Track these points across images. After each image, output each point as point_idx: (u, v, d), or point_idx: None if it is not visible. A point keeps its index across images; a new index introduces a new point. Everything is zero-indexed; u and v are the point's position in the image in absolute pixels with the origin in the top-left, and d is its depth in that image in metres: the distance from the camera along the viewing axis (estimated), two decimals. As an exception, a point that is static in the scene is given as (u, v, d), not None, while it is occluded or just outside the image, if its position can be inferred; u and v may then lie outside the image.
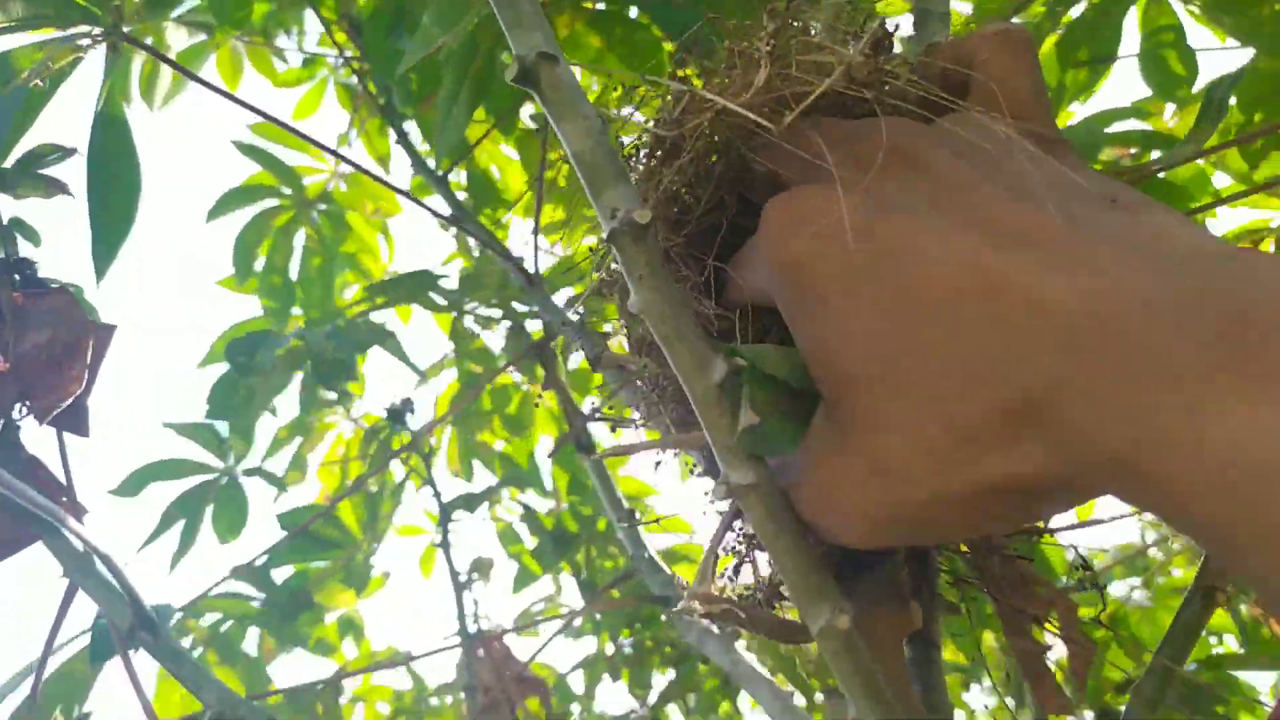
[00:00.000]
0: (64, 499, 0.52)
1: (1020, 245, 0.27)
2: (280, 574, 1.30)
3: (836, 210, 0.30)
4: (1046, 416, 0.25)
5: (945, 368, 0.27)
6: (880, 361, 0.28)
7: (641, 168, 0.50)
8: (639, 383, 0.64)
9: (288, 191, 1.29)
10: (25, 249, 0.57)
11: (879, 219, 0.29)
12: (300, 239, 1.34)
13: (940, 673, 0.56)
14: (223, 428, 1.23)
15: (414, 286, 1.08)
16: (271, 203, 1.30)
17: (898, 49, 0.45)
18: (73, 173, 0.58)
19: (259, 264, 1.31)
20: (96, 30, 0.62)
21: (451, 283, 1.20)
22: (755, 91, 0.43)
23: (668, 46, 0.78)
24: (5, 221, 0.56)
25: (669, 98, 0.49)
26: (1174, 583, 1.24)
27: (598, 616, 1.54)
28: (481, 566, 1.43)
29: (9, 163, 0.53)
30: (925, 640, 0.55)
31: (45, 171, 0.52)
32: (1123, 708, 0.55)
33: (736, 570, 0.55)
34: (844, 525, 0.32)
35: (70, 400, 0.50)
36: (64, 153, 0.50)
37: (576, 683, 1.67)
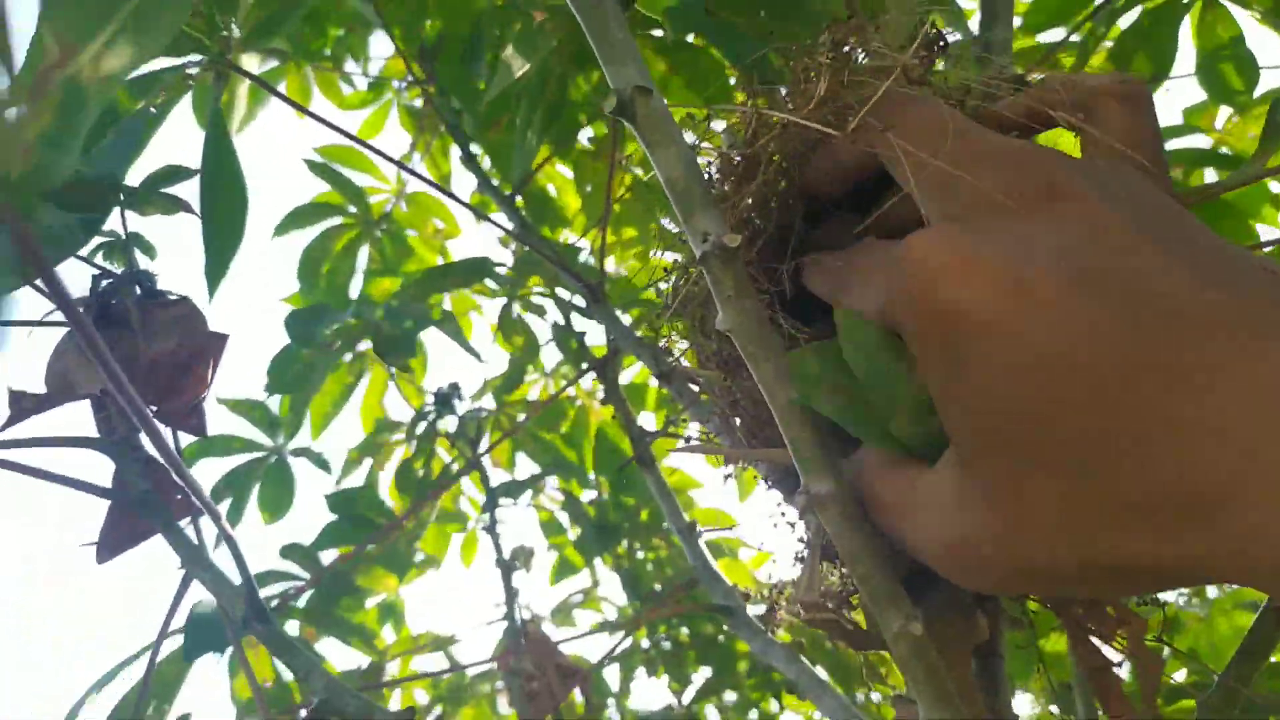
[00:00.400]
0: (179, 496, 0.54)
1: (1203, 327, 0.25)
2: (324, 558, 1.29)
3: (997, 259, 0.28)
4: (1219, 516, 0.24)
5: (1110, 445, 0.25)
6: (1034, 427, 0.26)
7: (714, 192, 0.51)
8: (708, 398, 0.66)
9: (353, 210, 1.32)
10: (142, 263, 0.59)
11: (1041, 273, 0.27)
12: (363, 257, 1.36)
13: (1004, 681, 0.58)
14: (274, 406, 1.24)
15: (470, 270, 1.10)
16: (336, 220, 1.32)
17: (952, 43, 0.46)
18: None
19: (323, 281, 1.33)
20: (205, 59, 0.64)
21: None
22: (817, 102, 0.45)
23: (729, 71, 0.79)
24: (125, 236, 0.58)
25: (738, 121, 0.50)
26: (1234, 596, 1.23)
27: (630, 609, 1.56)
28: (523, 555, 1.45)
29: (133, 183, 0.55)
30: (990, 651, 0.56)
31: (166, 190, 0.54)
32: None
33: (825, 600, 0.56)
34: (977, 575, 0.31)
35: (191, 403, 0.53)
36: (185, 173, 0.53)
37: (612, 677, 1.68)
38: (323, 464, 1.28)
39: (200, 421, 0.55)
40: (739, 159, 0.49)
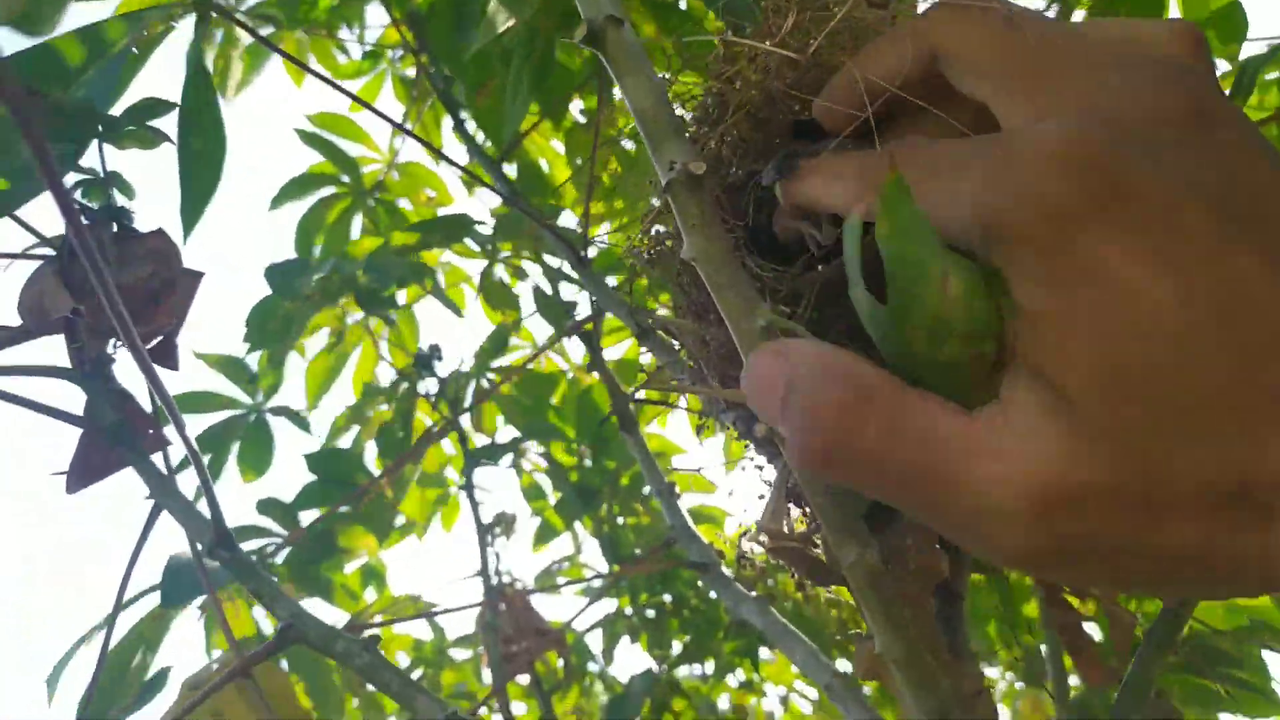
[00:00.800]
0: (150, 430, 0.53)
1: None
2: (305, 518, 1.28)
3: (1158, 186, 0.23)
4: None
5: (1212, 418, 0.23)
6: (1159, 383, 0.23)
7: (690, 132, 0.51)
8: (684, 352, 0.65)
9: (346, 180, 1.31)
10: (121, 203, 0.58)
11: (1201, 213, 0.23)
12: (357, 227, 1.35)
13: (964, 621, 0.57)
14: (252, 364, 1.21)
15: (451, 229, 1.08)
16: (330, 190, 1.31)
17: None
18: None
19: (318, 250, 1.32)
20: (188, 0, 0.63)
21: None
22: (785, 32, 0.44)
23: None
24: (104, 174, 0.57)
25: (717, 56, 0.50)
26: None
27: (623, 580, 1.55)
28: (505, 521, 1.44)
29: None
30: (951, 591, 0.56)
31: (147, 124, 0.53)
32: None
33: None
34: (1012, 547, 0.25)
35: (162, 335, 0.52)
36: (165, 106, 0.52)
37: (595, 643, 1.68)
38: (302, 423, 1.27)
39: (172, 357, 0.54)
40: (711, 96, 0.49)
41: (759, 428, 0.44)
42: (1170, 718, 0.87)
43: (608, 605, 1.67)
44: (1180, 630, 0.58)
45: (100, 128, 0.53)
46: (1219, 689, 0.97)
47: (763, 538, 0.48)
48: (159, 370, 0.54)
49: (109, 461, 0.53)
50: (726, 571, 0.83)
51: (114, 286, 0.44)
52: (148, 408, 0.55)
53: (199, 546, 0.51)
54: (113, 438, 0.51)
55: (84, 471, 0.52)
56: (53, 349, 0.57)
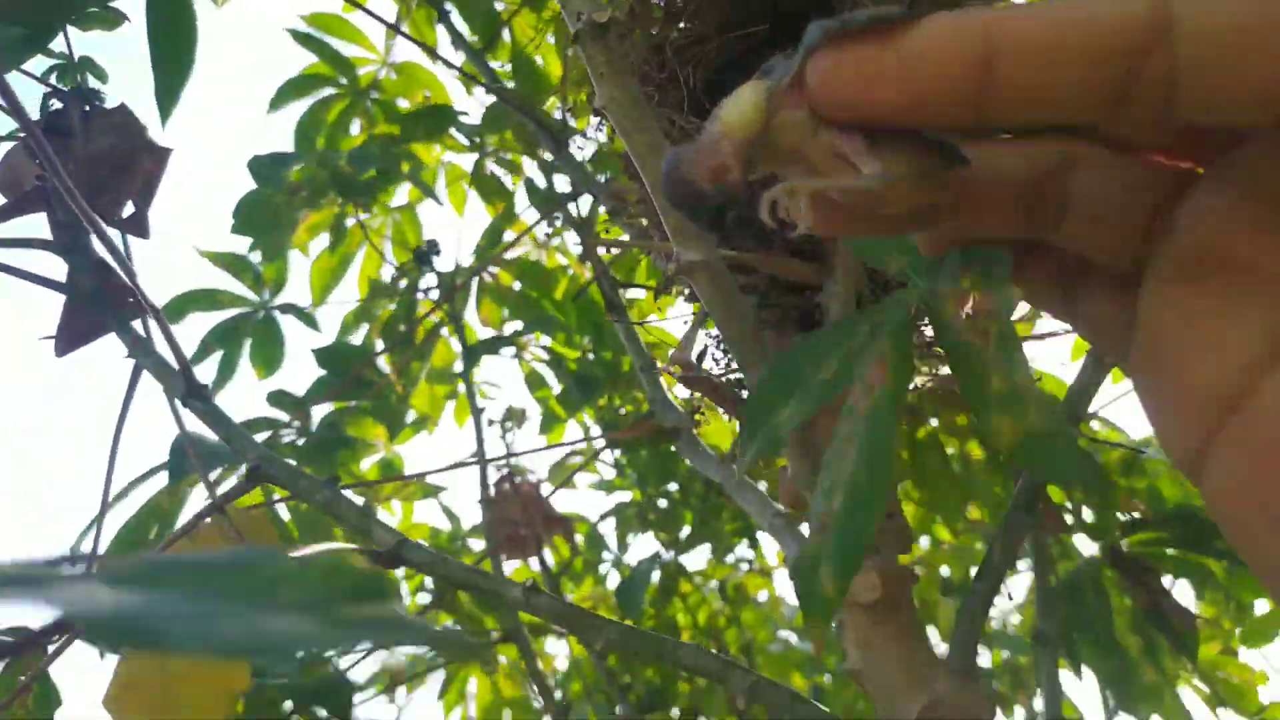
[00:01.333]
0: (131, 299, 0.56)
1: None
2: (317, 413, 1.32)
3: None
4: None
5: None
6: None
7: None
8: (637, 212, 0.68)
9: (343, 81, 1.32)
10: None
11: None
12: (356, 128, 1.37)
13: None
14: (256, 261, 1.24)
15: (435, 121, 1.09)
16: (327, 91, 1.33)
17: None
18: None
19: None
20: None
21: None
22: None
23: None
24: (76, 59, 0.59)
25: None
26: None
27: (630, 473, 1.60)
28: (515, 415, 1.49)
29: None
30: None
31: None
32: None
33: (699, 358, 0.59)
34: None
35: (131, 206, 0.55)
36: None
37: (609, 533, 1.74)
38: (309, 320, 1.30)
39: (143, 226, 0.57)
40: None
41: (670, 265, 0.47)
42: (1187, 620, 0.89)
43: (621, 497, 1.73)
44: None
45: (65, 10, 0.56)
46: (1213, 564, 1.00)
47: (676, 368, 0.52)
48: (131, 239, 0.58)
49: (92, 327, 0.57)
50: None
51: (78, 158, 0.47)
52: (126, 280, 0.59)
53: (175, 400, 0.55)
54: (93, 303, 0.55)
55: (70, 336, 0.57)
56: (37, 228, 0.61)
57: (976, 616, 0.47)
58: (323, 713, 0.78)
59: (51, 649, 0.91)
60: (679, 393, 0.87)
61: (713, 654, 0.47)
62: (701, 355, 0.61)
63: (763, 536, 1.62)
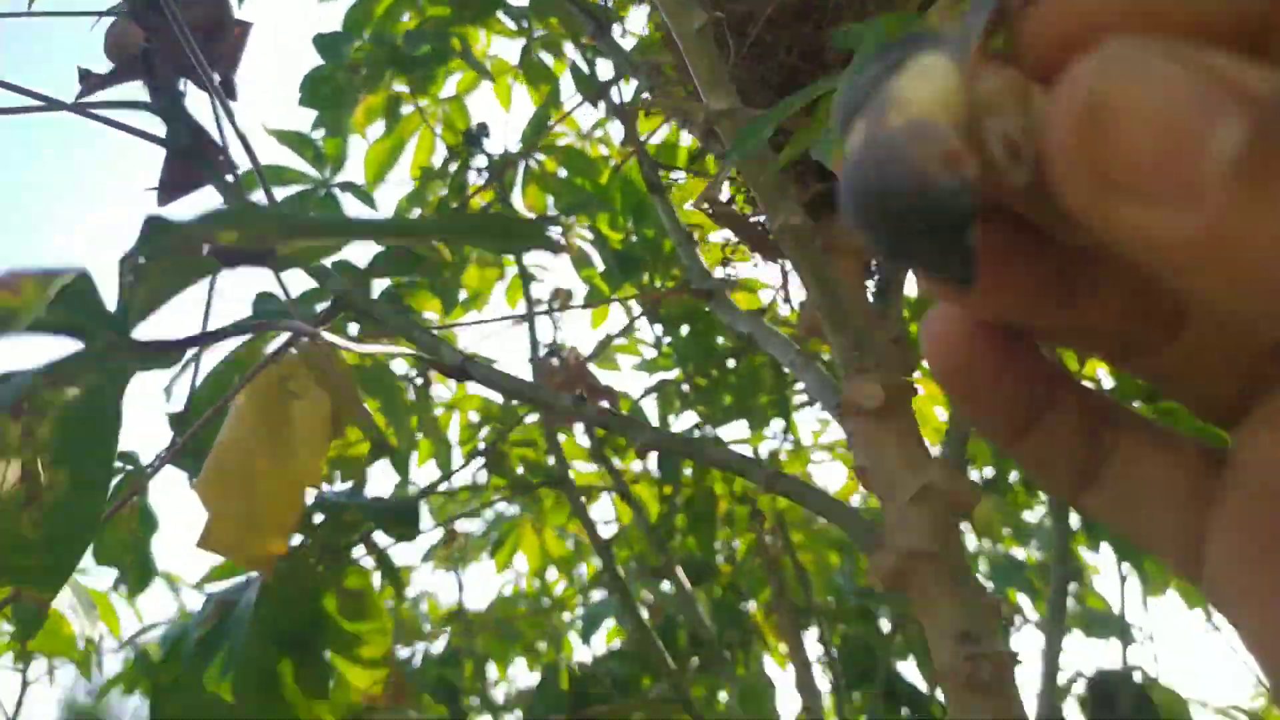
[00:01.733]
0: (221, 157, 0.63)
1: None
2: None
3: None
4: None
5: None
6: None
7: None
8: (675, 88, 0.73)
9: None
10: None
11: None
12: (406, 19, 1.41)
13: (898, 300, 0.65)
14: (318, 140, 1.29)
15: (484, 3, 1.13)
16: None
17: None
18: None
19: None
20: None
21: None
22: None
23: None
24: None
25: None
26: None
27: (671, 352, 1.67)
28: (561, 296, 1.56)
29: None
30: (886, 277, 0.63)
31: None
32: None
33: (729, 202, 0.65)
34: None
35: (221, 76, 0.62)
36: None
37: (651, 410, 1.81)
38: (366, 198, 1.37)
39: (231, 91, 0.64)
40: None
41: (700, 115, 0.52)
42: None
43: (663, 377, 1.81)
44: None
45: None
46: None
47: (705, 205, 0.58)
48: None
49: (190, 179, 0.64)
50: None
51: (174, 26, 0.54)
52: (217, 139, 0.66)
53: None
54: (191, 156, 0.63)
55: (171, 187, 0.64)
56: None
57: (965, 424, 0.54)
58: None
59: (149, 469, 1.01)
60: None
61: (734, 451, 0.54)
62: (730, 201, 0.67)
63: (799, 417, 1.70)
